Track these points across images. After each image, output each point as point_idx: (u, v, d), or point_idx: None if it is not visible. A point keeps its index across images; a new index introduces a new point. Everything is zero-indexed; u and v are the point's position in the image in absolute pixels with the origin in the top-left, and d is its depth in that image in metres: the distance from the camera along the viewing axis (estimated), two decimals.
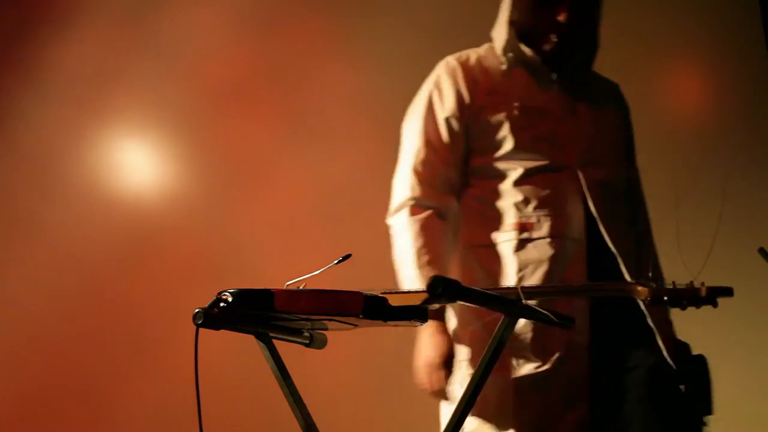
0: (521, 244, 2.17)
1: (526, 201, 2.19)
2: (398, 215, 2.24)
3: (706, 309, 2.00)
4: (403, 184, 2.25)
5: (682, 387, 2.22)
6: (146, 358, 3.24)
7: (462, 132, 2.24)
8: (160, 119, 3.44)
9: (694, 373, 2.24)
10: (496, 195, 2.22)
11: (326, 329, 1.91)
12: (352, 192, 3.28)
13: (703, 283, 1.96)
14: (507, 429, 2.11)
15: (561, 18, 2.23)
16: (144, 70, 3.43)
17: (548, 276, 2.14)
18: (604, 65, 3.81)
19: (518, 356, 2.12)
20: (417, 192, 2.22)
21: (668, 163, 3.76)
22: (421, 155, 2.24)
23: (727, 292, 1.98)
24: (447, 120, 2.24)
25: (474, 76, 2.27)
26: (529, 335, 2.12)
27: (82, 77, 3.40)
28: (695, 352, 3.65)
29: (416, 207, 2.21)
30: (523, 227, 2.18)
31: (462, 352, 2.20)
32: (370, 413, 3.28)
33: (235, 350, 2.60)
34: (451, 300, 1.68)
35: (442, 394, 2.13)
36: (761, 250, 2.50)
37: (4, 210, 3.29)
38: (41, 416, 3.17)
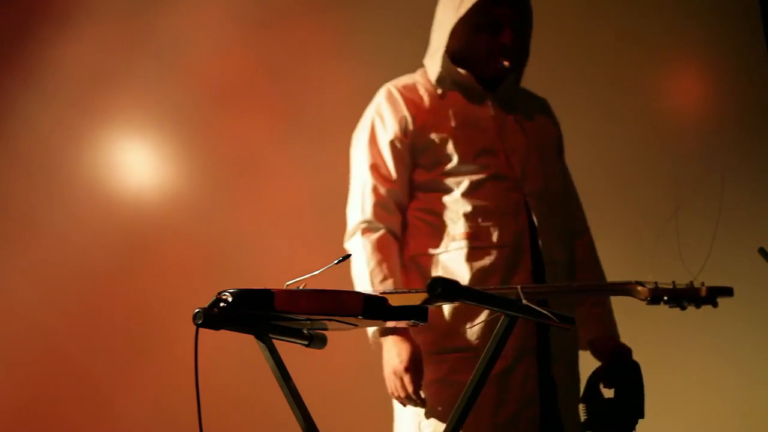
0: (472, 253, 2.27)
1: (475, 211, 2.30)
2: (352, 239, 2.34)
3: (706, 309, 2.01)
4: (355, 209, 2.36)
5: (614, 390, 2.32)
6: (146, 358, 3.24)
7: (407, 152, 2.35)
8: (159, 119, 3.44)
9: (628, 378, 2.31)
10: (443, 206, 2.33)
11: (326, 329, 1.91)
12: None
13: (703, 283, 1.97)
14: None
15: (506, 40, 2.36)
16: (143, 70, 3.43)
17: (500, 284, 2.24)
18: (604, 66, 3.82)
19: (472, 360, 2.17)
20: (368, 215, 2.32)
21: (668, 164, 3.77)
22: (369, 180, 2.34)
23: (727, 291, 1.99)
24: (391, 143, 2.35)
25: (413, 99, 2.39)
26: (483, 338, 2.21)
27: (81, 77, 3.40)
28: (695, 352, 3.67)
29: (368, 229, 2.31)
30: (474, 236, 2.28)
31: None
32: (370, 413, 3.28)
33: (235, 350, 2.61)
34: (451, 300, 1.67)
35: (414, 399, 2.21)
36: (761, 250, 2.50)
37: (4, 210, 3.29)
38: (41, 416, 3.17)
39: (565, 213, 2.48)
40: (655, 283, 1.97)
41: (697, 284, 1.96)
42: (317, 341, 1.91)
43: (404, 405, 2.25)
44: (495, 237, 2.28)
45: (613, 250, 3.62)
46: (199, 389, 1.60)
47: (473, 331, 2.22)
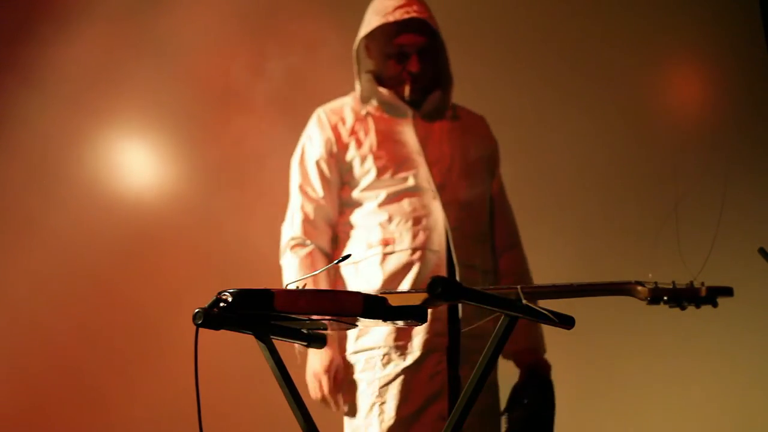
0: (386, 258, 2.44)
1: (389, 219, 2.47)
2: (284, 255, 2.53)
3: (706, 309, 2.01)
4: (287, 227, 2.56)
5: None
6: (146, 358, 3.24)
7: (333, 171, 2.55)
8: (159, 119, 3.44)
9: (539, 396, 2.44)
10: (363, 218, 2.51)
11: (326, 329, 1.91)
12: None
13: (703, 283, 1.97)
14: (374, 423, 2.36)
15: (413, 69, 2.55)
16: (143, 70, 3.43)
17: (414, 284, 2.39)
18: (603, 66, 3.82)
19: (384, 355, 2.39)
20: (297, 231, 2.52)
21: (668, 164, 3.77)
22: (298, 198, 2.55)
23: (727, 292, 1.99)
24: (317, 163, 2.56)
25: (338, 121, 2.59)
26: (392, 336, 2.39)
27: (81, 77, 3.40)
28: (693, 352, 3.67)
29: (297, 245, 2.51)
30: (386, 242, 2.45)
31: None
32: None
33: (235, 350, 2.61)
34: (451, 300, 1.67)
35: (329, 401, 2.42)
36: (761, 250, 2.50)
37: (4, 210, 3.29)
38: (42, 416, 3.17)
39: (493, 225, 2.65)
40: (655, 283, 1.97)
41: (696, 284, 1.96)
42: (317, 341, 1.91)
43: (324, 405, 2.43)
44: (408, 241, 2.44)
45: (613, 250, 3.63)
46: (199, 389, 1.60)
47: (382, 330, 2.38)
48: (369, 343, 2.42)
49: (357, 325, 1.88)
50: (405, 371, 2.36)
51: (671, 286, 1.96)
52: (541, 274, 3.04)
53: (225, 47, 3.50)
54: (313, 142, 2.60)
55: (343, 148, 2.55)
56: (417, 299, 1.74)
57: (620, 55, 3.85)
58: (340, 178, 2.56)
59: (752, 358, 3.69)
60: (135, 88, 3.43)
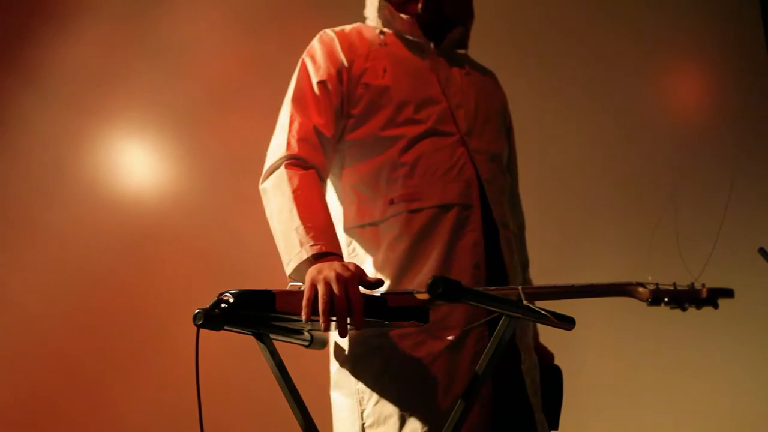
0: (412, 216, 2.00)
1: (412, 169, 2.03)
2: (273, 174, 1.99)
3: (707, 310, 2.01)
4: (278, 146, 2.03)
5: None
6: (147, 359, 3.24)
7: (338, 98, 2.08)
8: (159, 119, 3.44)
9: (548, 384, 2.18)
10: (379, 168, 2.05)
11: (326, 330, 1.91)
12: None
13: (703, 284, 1.96)
14: (413, 408, 1.94)
15: None
16: (144, 70, 3.43)
17: (446, 246, 1.99)
18: (605, 64, 3.83)
19: (421, 335, 1.96)
20: (294, 150, 2.00)
21: (669, 164, 3.77)
22: (296, 116, 2.05)
23: (728, 293, 1.99)
24: (321, 83, 2.08)
25: (351, 42, 2.16)
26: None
27: (81, 77, 3.40)
28: (693, 352, 3.67)
29: (294, 165, 1.98)
30: (412, 197, 2.02)
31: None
32: None
33: (236, 350, 2.61)
34: (452, 300, 1.67)
35: (337, 319, 1.70)
36: (761, 250, 2.51)
37: (4, 210, 3.29)
38: (42, 416, 3.17)
39: (512, 191, 2.27)
40: (656, 284, 1.97)
41: (697, 285, 1.96)
42: (317, 342, 1.92)
43: (341, 322, 1.70)
44: (438, 195, 2.02)
45: (614, 250, 3.63)
46: (200, 389, 1.60)
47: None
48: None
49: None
50: (445, 352, 1.94)
51: (672, 288, 1.95)
52: (541, 274, 3.04)
53: (225, 47, 3.50)
54: (317, 62, 2.12)
55: (356, 74, 2.10)
56: (417, 299, 1.73)
57: (621, 54, 3.85)
58: (344, 109, 2.09)
59: (752, 358, 3.69)
60: (135, 88, 3.43)
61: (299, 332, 1.88)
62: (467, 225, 2.02)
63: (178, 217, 3.37)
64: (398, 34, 2.21)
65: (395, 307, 1.71)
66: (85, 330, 3.24)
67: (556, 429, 2.17)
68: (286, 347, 1.87)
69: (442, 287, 1.62)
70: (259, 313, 1.64)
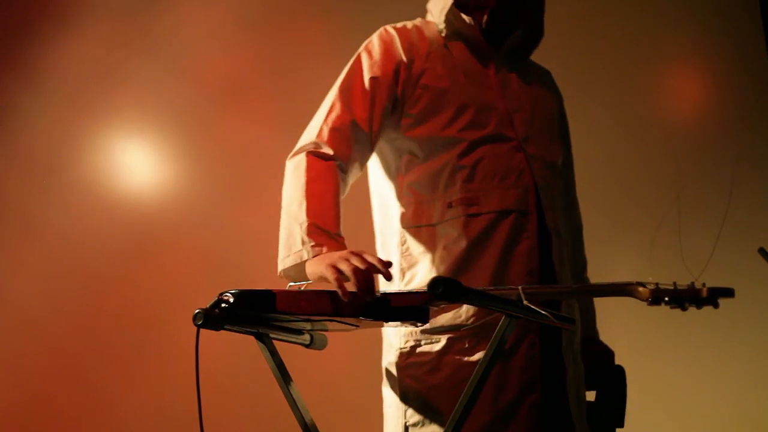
0: (470, 220, 2.02)
1: (473, 173, 2.04)
2: (296, 159, 2.01)
3: (707, 310, 2.01)
4: (311, 130, 2.05)
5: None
6: (147, 359, 3.23)
7: (389, 98, 2.07)
8: (159, 118, 3.43)
9: (611, 384, 2.19)
10: (438, 170, 2.06)
11: (327, 330, 1.91)
12: (352, 191, 3.29)
13: (704, 284, 1.96)
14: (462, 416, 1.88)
15: (489, 3, 2.17)
16: (144, 70, 3.42)
17: (502, 251, 2.00)
18: (606, 64, 3.82)
19: (472, 341, 1.96)
20: (324, 138, 2.01)
21: (670, 164, 3.77)
22: (337, 107, 2.05)
23: (728, 293, 1.98)
24: (374, 79, 2.07)
25: (412, 40, 2.14)
26: (478, 313, 1.96)
27: (81, 76, 3.40)
28: (695, 353, 3.67)
29: (317, 154, 1.99)
30: (471, 201, 2.03)
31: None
32: (370, 414, 3.28)
33: (236, 350, 2.60)
34: (452, 300, 1.67)
35: (380, 265, 1.73)
36: (761, 250, 2.50)
37: (3, 210, 3.28)
38: (42, 416, 3.16)
39: (568, 195, 2.27)
40: (656, 284, 1.97)
41: (698, 285, 1.96)
42: (317, 342, 1.91)
43: (363, 285, 1.69)
44: (496, 201, 2.03)
45: (614, 250, 3.63)
46: (200, 389, 1.60)
47: (464, 308, 1.97)
48: (451, 322, 1.97)
49: (359, 326, 1.88)
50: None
51: (672, 287, 1.95)
52: None
53: (226, 47, 3.50)
54: (373, 58, 2.09)
55: (418, 71, 2.09)
56: (418, 299, 1.73)
57: (621, 54, 3.85)
58: (399, 110, 2.08)
59: (752, 358, 3.69)
60: (135, 88, 3.42)
61: (299, 332, 1.88)
62: (524, 232, 2.04)
63: (178, 217, 3.36)
64: (460, 36, 2.19)
65: (395, 307, 1.71)
66: (85, 330, 3.24)
67: (622, 426, 2.16)
68: (286, 347, 1.87)
69: (443, 287, 1.62)
70: (260, 313, 1.64)
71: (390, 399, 2.05)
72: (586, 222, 2.74)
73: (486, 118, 2.09)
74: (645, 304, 2.04)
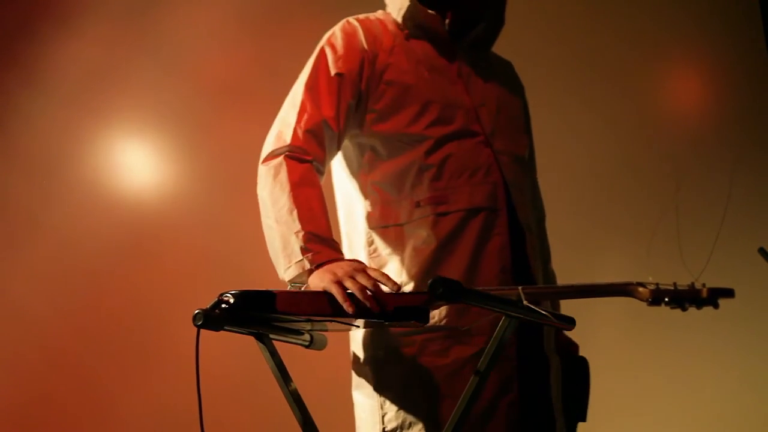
0: (439, 219, 1.97)
1: (439, 172, 1.99)
2: (273, 163, 1.93)
3: (707, 310, 2.01)
4: (284, 132, 1.97)
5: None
6: (147, 359, 3.23)
7: (354, 93, 2.01)
8: (159, 118, 3.43)
9: (575, 376, 2.15)
10: (405, 168, 2.01)
11: (327, 330, 1.91)
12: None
13: (704, 284, 1.96)
14: (439, 416, 1.91)
15: None
16: (144, 70, 3.42)
17: (473, 250, 1.97)
18: (604, 66, 3.82)
19: (443, 340, 1.94)
20: (299, 141, 1.94)
21: (670, 165, 3.77)
22: (308, 107, 1.98)
23: (729, 293, 1.98)
24: (340, 76, 2.01)
25: (375, 34, 2.07)
26: (454, 315, 1.92)
27: (81, 76, 3.40)
28: (693, 352, 3.67)
29: (294, 158, 1.93)
30: (439, 200, 1.98)
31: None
32: None
33: (236, 351, 2.60)
34: (452, 300, 1.67)
35: (387, 278, 1.73)
36: (761, 250, 2.50)
37: (3, 210, 3.28)
38: (42, 416, 3.17)
39: (533, 189, 2.23)
40: (656, 284, 1.97)
41: (698, 285, 1.96)
42: (317, 342, 1.91)
43: (369, 304, 1.68)
44: (465, 199, 1.99)
45: (614, 250, 3.63)
46: (200, 390, 1.60)
47: (443, 309, 1.93)
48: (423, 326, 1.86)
49: (359, 326, 1.88)
50: (473, 359, 1.87)
51: (672, 287, 1.95)
52: None
53: (226, 47, 3.50)
54: (338, 52, 2.03)
55: (382, 66, 2.03)
56: (417, 299, 1.73)
57: (621, 54, 3.85)
58: (363, 106, 2.02)
59: (752, 357, 3.69)
60: (135, 87, 3.42)
61: (299, 333, 1.88)
62: (494, 228, 2.00)
63: (178, 217, 3.36)
64: (422, 30, 2.12)
65: (395, 308, 1.71)
66: (85, 330, 3.24)
67: (584, 421, 2.13)
68: (285, 347, 1.87)
69: (442, 287, 1.62)
70: (260, 313, 1.64)
71: (364, 404, 2.01)
72: (586, 221, 2.75)
73: (452, 113, 2.04)
74: (645, 304, 2.05)
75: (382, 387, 1.96)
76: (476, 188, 2.01)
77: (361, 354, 2.01)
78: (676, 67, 4.06)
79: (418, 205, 1.99)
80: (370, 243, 2.02)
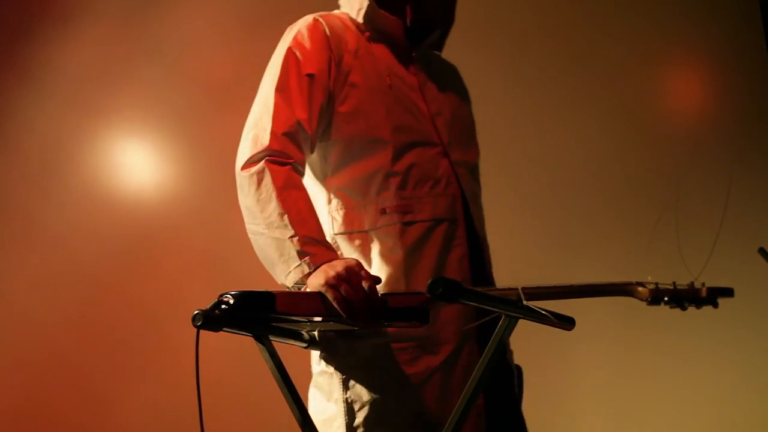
0: (405, 228, 1.96)
1: (404, 180, 1.98)
2: (254, 170, 1.89)
3: (707, 309, 2.01)
4: (261, 135, 1.93)
5: None
6: (146, 359, 3.24)
7: (324, 94, 1.97)
8: (159, 118, 3.43)
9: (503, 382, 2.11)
10: (371, 176, 1.98)
11: (326, 330, 1.91)
12: None
13: (703, 284, 1.97)
14: (409, 422, 1.91)
15: None
16: (143, 70, 3.42)
17: (437, 260, 1.97)
18: (603, 67, 3.82)
19: (412, 349, 1.93)
20: (277, 144, 1.90)
21: (670, 165, 3.77)
22: (282, 109, 1.93)
23: (728, 292, 1.99)
24: (311, 77, 1.96)
25: (340, 35, 2.03)
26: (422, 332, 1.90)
27: (80, 76, 3.40)
28: (693, 352, 3.67)
29: (275, 162, 1.89)
30: (405, 209, 1.97)
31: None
32: None
33: (235, 351, 2.61)
34: (452, 300, 1.67)
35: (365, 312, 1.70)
36: (761, 250, 2.50)
37: (3, 210, 3.28)
38: (41, 416, 3.17)
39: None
40: (656, 283, 1.97)
41: (697, 285, 1.96)
42: (316, 343, 1.91)
43: (361, 310, 1.69)
44: (429, 209, 1.98)
45: (614, 249, 3.63)
46: (200, 390, 1.60)
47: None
48: (392, 334, 1.91)
49: (357, 327, 1.88)
50: (441, 368, 1.92)
51: (672, 287, 1.96)
52: (541, 274, 3.04)
53: (225, 46, 3.50)
54: (306, 52, 1.98)
55: (346, 68, 2.00)
56: (417, 300, 1.73)
57: (621, 54, 3.85)
58: (331, 107, 1.99)
59: (752, 357, 3.69)
60: (135, 87, 3.42)
61: (299, 333, 1.88)
62: (454, 239, 2.00)
63: (178, 217, 3.36)
64: (381, 34, 2.10)
65: (395, 308, 1.71)
66: (84, 330, 3.24)
67: None
68: (285, 348, 1.87)
69: (442, 287, 1.62)
70: (260, 314, 1.64)
71: (323, 408, 1.97)
72: (586, 223, 2.75)
73: (413, 121, 2.03)
74: (644, 304, 2.05)
75: (349, 394, 1.93)
76: (438, 199, 2.01)
77: (328, 358, 1.97)
78: (675, 67, 4.06)
79: (384, 212, 1.97)
80: (336, 249, 1.98)
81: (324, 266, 1.74)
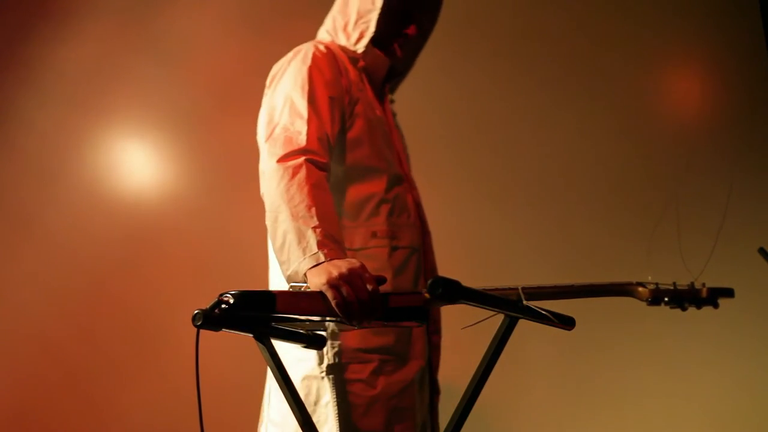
0: (393, 253, 2.08)
1: (392, 208, 2.10)
2: (293, 163, 1.90)
3: (706, 310, 2.01)
4: (300, 132, 1.95)
5: None
6: (146, 359, 3.23)
7: (342, 117, 2.07)
8: (159, 119, 3.43)
9: None
10: (366, 200, 2.08)
11: (326, 330, 1.91)
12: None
13: (704, 284, 1.97)
14: (394, 424, 2.01)
15: (410, 31, 2.22)
16: (144, 70, 3.42)
17: (411, 284, 2.10)
18: (603, 66, 3.82)
19: (395, 364, 2.04)
20: (314, 147, 1.93)
21: (670, 165, 3.77)
22: (314, 118, 1.98)
23: (728, 293, 1.99)
24: (332, 99, 2.04)
25: (346, 66, 2.13)
26: (392, 339, 2.03)
27: (80, 76, 3.39)
28: (693, 352, 3.67)
29: (313, 163, 1.92)
30: (394, 234, 2.08)
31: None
32: None
33: (235, 351, 2.61)
34: (452, 300, 1.67)
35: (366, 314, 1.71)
36: (761, 250, 2.50)
37: (3, 210, 3.28)
38: (41, 416, 3.16)
39: None
40: (656, 283, 1.97)
41: (698, 285, 1.97)
42: (316, 343, 1.91)
43: (362, 316, 1.71)
44: (408, 237, 2.11)
45: (614, 249, 3.63)
46: (200, 390, 1.60)
47: (400, 332, 2.04)
48: (381, 344, 2.02)
49: (357, 327, 1.88)
50: (415, 381, 2.05)
51: (672, 287, 1.96)
52: (540, 273, 3.03)
53: (226, 46, 3.50)
54: (326, 76, 2.04)
55: (353, 100, 2.10)
56: (416, 300, 1.73)
57: (619, 55, 3.85)
58: (342, 129, 2.07)
59: (752, 358, 3.69)
60: (135, 87, 3.42)
61: (299, 333, 1.88)
62: (420, 267, 2.15)
63: (179, 217, 3.36)
64: (368, 70, 2.21)
65: (395, 308, 1.71)
66: (84, 329, 3.24)
67: None
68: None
69: (442, 287, 1.62)
70: (260, 314, 1.64)
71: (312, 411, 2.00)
72: (585, 222, 2.75)
73: (393, 155, 2.17)
74: (644, 304, 2.05)
75: (340, 397, 1.98)
76: (412, 229, 2.14)
77: (301, 363, 2.02)
78: (675, 68, 4.06)
79: (374, 234, 2.07)
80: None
81: (326, 265, 1.74)
